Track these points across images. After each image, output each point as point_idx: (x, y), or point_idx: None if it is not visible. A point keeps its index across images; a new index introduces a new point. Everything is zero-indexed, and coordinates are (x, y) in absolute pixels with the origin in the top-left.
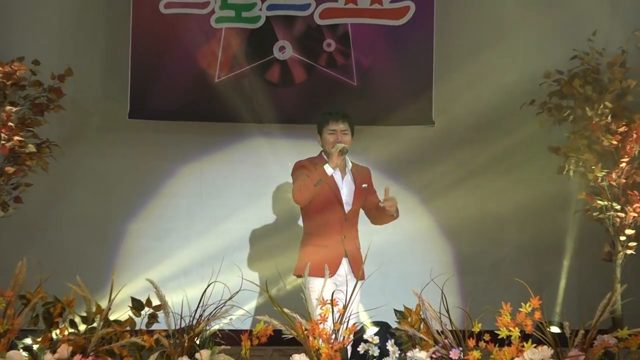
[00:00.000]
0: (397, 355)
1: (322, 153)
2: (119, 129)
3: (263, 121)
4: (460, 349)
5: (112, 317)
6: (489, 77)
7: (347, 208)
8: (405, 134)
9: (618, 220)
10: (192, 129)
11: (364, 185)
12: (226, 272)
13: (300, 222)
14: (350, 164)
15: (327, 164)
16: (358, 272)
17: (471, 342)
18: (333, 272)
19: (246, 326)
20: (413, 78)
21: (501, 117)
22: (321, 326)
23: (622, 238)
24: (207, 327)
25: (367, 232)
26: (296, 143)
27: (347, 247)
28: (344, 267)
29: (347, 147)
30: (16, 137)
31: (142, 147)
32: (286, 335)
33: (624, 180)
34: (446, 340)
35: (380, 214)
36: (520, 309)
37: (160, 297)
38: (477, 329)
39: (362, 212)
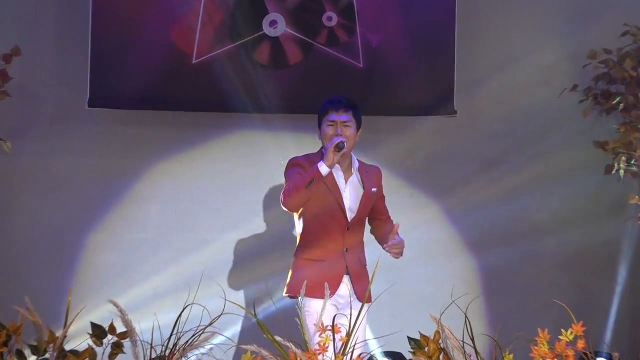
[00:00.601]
0: None
1: (322, 150)
2: (77, 121)
3: (251, 111)
4: None
5: (68, 347)
6: (522, 57)
7: (350, 215)
8: (422, 126)
9: None
10: (165, 121)
11: (373, 190)
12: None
13: (295, 232)
14: (357, 163)
15: (321, 162)
16: (363, 292)
17: None
18: (333, 292)
19: (229, 357)
20: (431, 59)
21: (537, 106)
22: (320, 357)
23: None
24: (183, 359)
25: (376, 244)
26: (291, 137)
27: (350, 263)
28: (346, 286)
29: (344, 142)
30: None
31: (105, 142)
32: None
33: None
34: None
35: (381, 237)
36: (560, 337)
37: (127, 322)
38: None
39: None
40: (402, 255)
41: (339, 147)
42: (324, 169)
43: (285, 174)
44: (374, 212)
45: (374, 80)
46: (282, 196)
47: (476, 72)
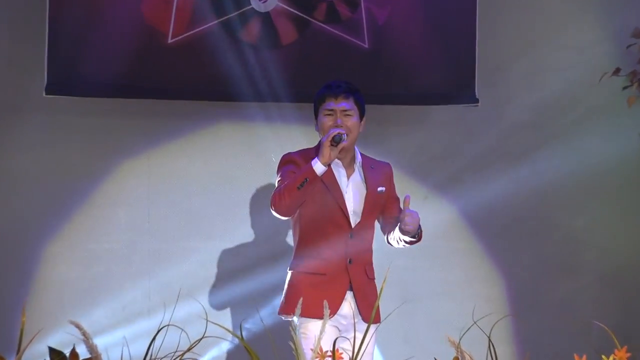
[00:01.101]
0: None
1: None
2: (33, 110)
3: (236, 99)
4: None
5: None
6: (554, 37)
7: (353, 220)
8: (438, 117)
9: None
10: (136, 110)
11: (379, 189)
12: (184, 311)
13: (290, 240)
14: (360, 158)
15: (316, 159)
16: (369, 312)
17: None
18: (333, 312)
19: None
20: (448, 38)
21: (572, 93)
22: None
23: None
24: None
25: (385, 255)
26: (283, 129)
27: (354, 276)
28: (350, 304)
29: (342, 134)
30: None
31: (65, 136)
32: None
33: None
34: None
35: (397, 233)
36: None
37: (91, 347)
38: None
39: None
40: (416, 229)
41: (335, 141)
42: (318, 166)
43: (277, 172)
44: (387, 217)
45: (381, 63)
46: (271, 199)
47: (501, 54)
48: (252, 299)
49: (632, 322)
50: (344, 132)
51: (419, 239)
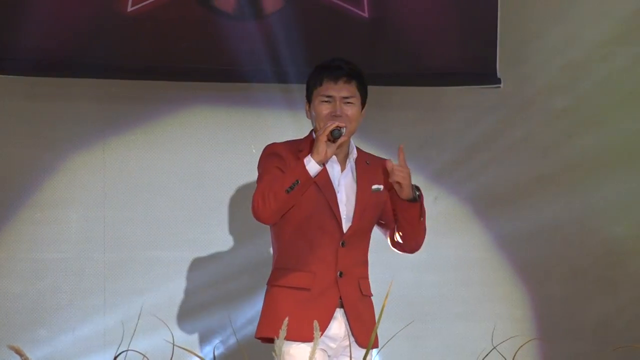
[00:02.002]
0: None
1: (312, 133)
2: None
3: (210, 79)
4: None
5: None
6: (589, 7)
7: (345, 225)
8: (452, 101)
9: None
10: (88, 93)
11: (374, 187)
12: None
13: (270, 248)
14: (355, 152)
15: (309, 157)
16: (365, 333)
17: None
18: (321, 332)
19: None
20: (464, 8)
21: (610, 74)
22: None
23: None
24: None
25: (386, 266)
26: (267, 115)
27: (345, 291)
28: (340, 324)
29: (342, 129)
30: None
31: (3, 124)
32: None
33: None
34: None
35: (400, 225)
36: None
37: None
38: None
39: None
40: (408, 184)
41: (333, 136)
42: (312, 166)
43: (259, 167)
44: (389, 221)
45: (384, 36)
46: (253, 201)
47: (527, 28)
48: (227, 319)
49: None
50: (343, 125)
51: (421, 205)
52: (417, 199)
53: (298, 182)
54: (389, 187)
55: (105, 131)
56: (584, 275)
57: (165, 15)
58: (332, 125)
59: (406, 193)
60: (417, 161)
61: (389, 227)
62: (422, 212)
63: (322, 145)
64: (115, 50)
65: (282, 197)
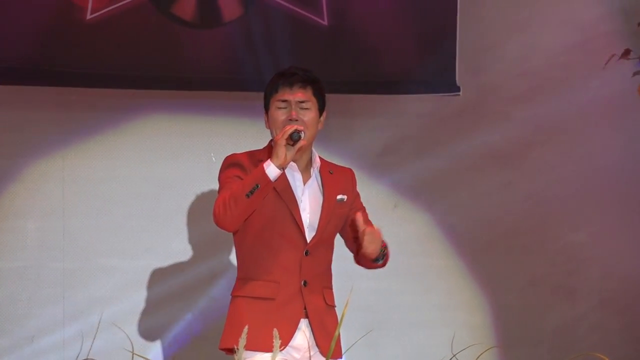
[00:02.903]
0: None
1: (271, 143)
2: None
3: (169, 87)
4: None
5: None
6: (549, 13)
7: (309, 234)
8: (411, 108)
9: None
10: (47, 101)
11: (339, 197)
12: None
13: (234, 258)
14: (318, 161)
15: (269, 161)
16: (328, 344)
17: None
18: (285, 343)
19: None
20: (423, 15)
21: (570, 81)
22: None
23: None
24: None
25: (347, 276)
26: (226, 124)
27: (309, 301)
28: (304, 334)
29: (300, 131)
30: None
31: None
32: None
33: None
34: None
35: (359, 253)
36: None
37: None
38: None
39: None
40: (377, 251)
41: (292, 139)
42: (271, 169)
43: (219, 177)
44: (351, 231)
45: (343, 44)
46: (214, 209)
47: (486, 36)
48: (188, 328)
49: (639, 354)
50: (302, 128)
51: (385, 261)
52: (381, 259)
53: (258, 187)
54: (358, 207)
55: (63, 140)
56: (542, 283)
57: (124, 23)
58: (290, 129)
59: (374, 253)
60: (377, 168)
61: (349, 240)
62: (384, 262)
63: (281, 149)
64: (74, 57)
65: (242, 202)
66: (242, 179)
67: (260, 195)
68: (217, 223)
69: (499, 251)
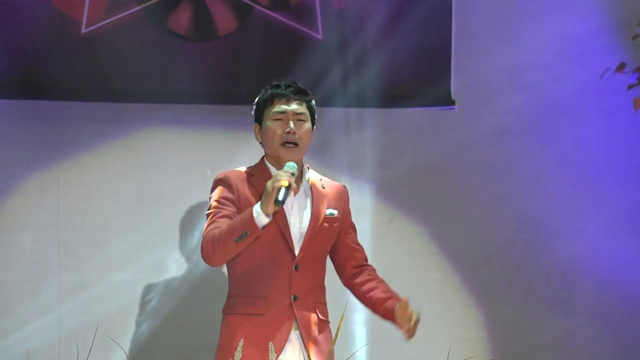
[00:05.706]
0: None
1: (264, 159)
2: None
3: (164, 100)
4: None
5: None
6: (544, 26)
7: (297, 248)
8: (406, 122)
9: None
10: (41, 114)
11: (329, 211)
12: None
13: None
14: (309, 173)
15: (257, 207)
16: (323, 357)
17: None
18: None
19: None
20: (418, 29)
21: (567, 94)
22: None
23: None
24: None
25: (340, 291)
26: (220, 137)
27: (300, 315)
28: (295, 346)
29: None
30: None
31: None
32: None
33: None
34: None
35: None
36: None
37: None
38: None
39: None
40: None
41: (282, 198)
42: (261, 219)
43: (210, 197)
44: (341, 250)
45: (338, 57)
46: (202, 246)
47: (482, 49)
48: (184, 345)
49: None
50: (292, 181)
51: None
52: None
53: (247, 233)
54: (349, 225)
55: (58, 153)
56: (537, 297)
57: (119, 36)
58: (285, 174)
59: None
60: (371, 182)
61: (338, 260)
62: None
63: (271, 202)
64: (70, 71)
65: (231, 245)
66: (231, 202)
67: (248, 241)
68: (206, 261)
69: (494, 265)
